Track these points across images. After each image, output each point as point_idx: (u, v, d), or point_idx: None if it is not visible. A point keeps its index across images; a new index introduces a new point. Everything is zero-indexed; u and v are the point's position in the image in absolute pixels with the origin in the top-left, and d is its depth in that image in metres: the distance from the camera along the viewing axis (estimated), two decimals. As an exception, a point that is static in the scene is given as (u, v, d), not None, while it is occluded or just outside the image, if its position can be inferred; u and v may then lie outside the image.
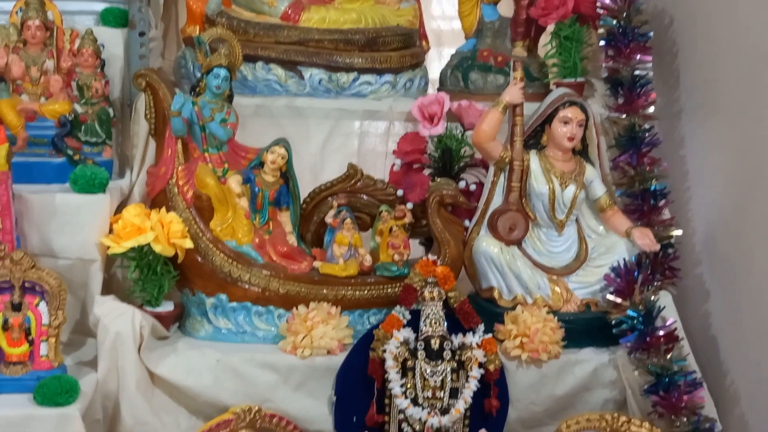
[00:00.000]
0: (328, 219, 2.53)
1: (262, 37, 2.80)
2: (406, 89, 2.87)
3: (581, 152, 2.60)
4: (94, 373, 2.25)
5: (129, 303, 2.37)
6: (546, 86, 2.89)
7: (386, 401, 2.27)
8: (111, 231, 2.37)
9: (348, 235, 2.49)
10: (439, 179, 2.60)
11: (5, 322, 2.13)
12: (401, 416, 2.26)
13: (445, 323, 2.30)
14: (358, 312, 2.48)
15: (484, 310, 2.44)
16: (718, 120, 2.61)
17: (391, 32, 2.87)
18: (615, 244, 2.56)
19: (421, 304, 2.32)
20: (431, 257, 2.39)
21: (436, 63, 3.32)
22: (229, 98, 2.51)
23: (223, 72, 2.43)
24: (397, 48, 2.87)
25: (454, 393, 2.26)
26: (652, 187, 2.63)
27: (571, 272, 2.56)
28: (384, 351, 2.25)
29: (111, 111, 2.58)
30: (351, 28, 2.84)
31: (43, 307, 2.15)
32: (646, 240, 2.50)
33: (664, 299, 2.48)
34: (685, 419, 2.26)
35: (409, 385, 2.25)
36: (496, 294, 2.52)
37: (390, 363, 2.24)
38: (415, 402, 2.24)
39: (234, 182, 2.46)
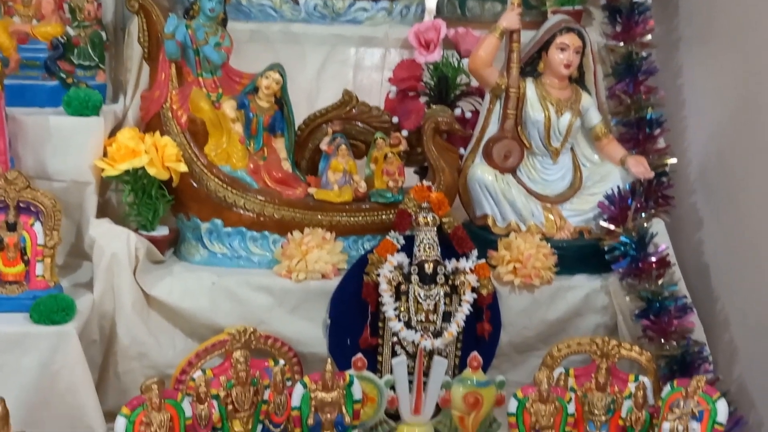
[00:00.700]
0: (323, 146, 2.52)
1: (256, -39, 2.76)
2: (402, 16, 2.84)
3: (577, 80, 2.59)
4: (90, 294, 2.26)
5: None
6: (544, 14, 2.84)
7: (380, 324, 2.29)
8: (105, 155, 2.37)
9: (343, 161, 2.49)
10: (434, 106, 2.60)
11: (0, 241, 2.14)
12: (394, 339, 2.28)
13: (439, 249, 2.31)
14: (352, 238, 2.50)
15: (478, 237, 2.45)
16: (716, 49, 2.59)
17: (387, -42, 2.83)
18: (609, 173, 2.56)
19: (415, 230, 2.33)
20: (426, 183, 2.39)
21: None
22: (223, 22, 2.48)
23: (216, -6, 2.40)
24: (393, -26, 2.83)
25: (447, 317, 2.28)
26: (648, 116, 2.62)
27: (565, 200, 2.57)
28: (378, 275, 2.27)
29: (104, 35, 2.55)
30: (347, -48, 2.80)
31: (38, 227, 2.15)
32: (640, 168, 2.50)
33: (657, 227, 2.49)
34: (674, 343, 2.29)
35: (402, 309, 2.27)
36: (490, 221, 2.53)
37: (384, 287, 2.25)
38: (408, 325, 2.26)
39: (228, 107, 2.45)
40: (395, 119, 2.60)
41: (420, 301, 2.27)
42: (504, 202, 2.51)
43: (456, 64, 2.67)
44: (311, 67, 2.76)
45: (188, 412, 2.04)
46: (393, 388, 2.20)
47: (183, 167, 2.38)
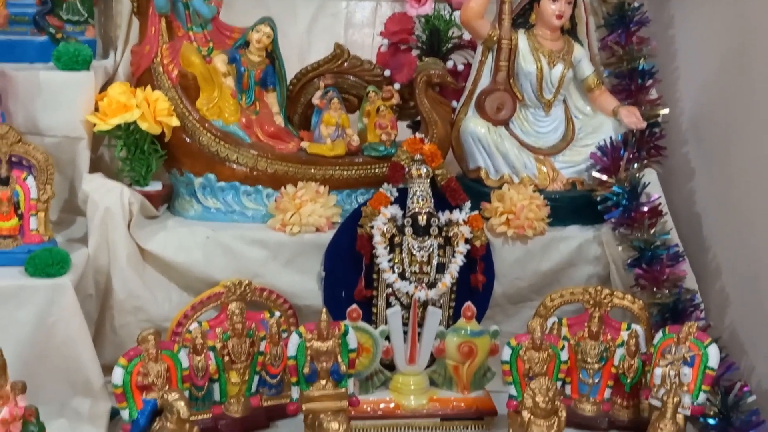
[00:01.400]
0: (315, 100, 2.51)
1: None
2: (393, -31, 2.83)
3: (569, 31, 2.59)
4: (85, 248, 2.25)
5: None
6: (536, -34, 2.84)
7: (374, 276, 2.30)
8: (97, 110, 2.35)
9: (335, 115, 2.49)
10: (426, 59, 2.59)
11: (-6, 196, 2.14)
12: (389, 290, 2.29)
13: (432, 201, 2.32)
14: (346, 192, 2.50)
15: (471, 190, 2.45)
16: (708, -1, 2.59)
17: None
18: (602, 124, 2.57)
19: (408, 182, 2.33)
20: (419, 135, 2.39)
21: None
22: (213, -25, 2.46)
23: (205, -54, 2.38)
24: (384, -74, 2.81)
25: (441, 268, 2.29)
26: (640, 67, 2.62)
27: (557, 152, 2.58)
28: (372, 227, 2.27)
29: (93, -11, 2.53)
30: None
31: (30, 181, 2.14)
32: (632, 118, 2.51)
33: (649, 177, 2.50)
34: (666, 291, 2.30)
35: (396, 260, 2.28)
36: (483, 174, 2.54)
37: (378, 239, 2.26)
38: (402, 276, 2.27)
39: (219, 61, 2.43)
40: (387, 73, 2.59)
41: (414, 252, 2.28)
42: (497, 154, 2.52)
43: (448, 17, 2.65)
44: (302, 21, 2.76)
45: (185, 363, 2.06)
46: (388, 338, 2.22)
47: (175, 121, 2.37)
